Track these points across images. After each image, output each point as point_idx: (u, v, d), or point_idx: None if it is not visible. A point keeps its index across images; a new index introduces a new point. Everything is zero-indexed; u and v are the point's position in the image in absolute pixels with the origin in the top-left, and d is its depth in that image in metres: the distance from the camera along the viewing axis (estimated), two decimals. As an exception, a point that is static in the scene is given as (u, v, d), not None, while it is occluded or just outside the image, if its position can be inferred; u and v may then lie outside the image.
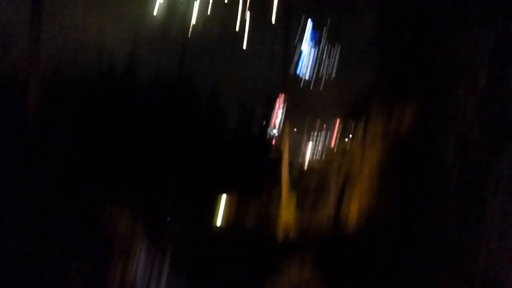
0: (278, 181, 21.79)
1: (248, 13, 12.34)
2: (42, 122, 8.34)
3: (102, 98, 8.34)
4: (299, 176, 31.16)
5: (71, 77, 8.49)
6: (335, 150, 28.59)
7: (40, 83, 8.43)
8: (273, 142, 15.14)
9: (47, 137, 8.36)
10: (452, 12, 14.96)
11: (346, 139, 29.64)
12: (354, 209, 21.57)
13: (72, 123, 8.48)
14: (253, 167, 11.58)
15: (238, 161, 10.85)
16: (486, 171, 12.82)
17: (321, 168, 29.08)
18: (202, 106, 10.53)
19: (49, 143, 8.36)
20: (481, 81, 12.05)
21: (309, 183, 28.44)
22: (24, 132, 8.36)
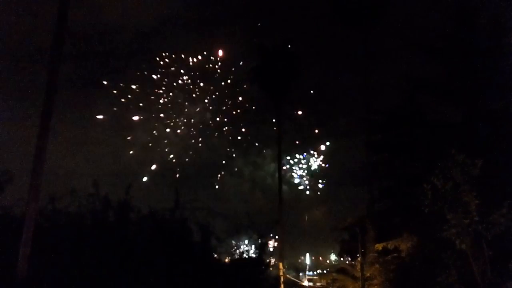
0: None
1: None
2: (34, 263, 8.28)
3: (96, 241, 8.35)
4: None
5: (66, 219, 8.62)
6: (333, 274, 27.91)
7: (36, 221, 8.53)
8: (270, 266, 14.82)
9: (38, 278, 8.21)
10: (437, 148, 15.82)
11: (344, 261, 28.82)
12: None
13: (64, 265, 8.37)
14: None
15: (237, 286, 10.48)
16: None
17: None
18: (196, 240, 10.44)
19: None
20: (472, 211, 12.37)
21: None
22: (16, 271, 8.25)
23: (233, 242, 10.92)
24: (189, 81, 62.80)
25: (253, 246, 12.25)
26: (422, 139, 19.87)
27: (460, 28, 19.43)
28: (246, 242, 12.39)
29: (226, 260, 11.69)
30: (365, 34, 27.99)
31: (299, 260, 62.90)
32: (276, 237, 30.83)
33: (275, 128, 37.73)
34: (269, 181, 62.04)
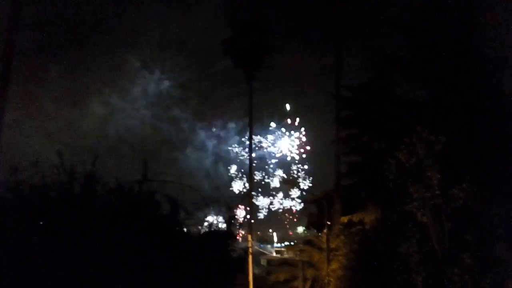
0: (245, 278, 21.38)
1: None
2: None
3: (61, 213, 8.17)
4: (266, 273, 30.73)
5: (30, 191, 8.36)
6: (299, 246, 28.74)
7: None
8: (239, 238, 15.02)
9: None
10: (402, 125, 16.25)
11: (310, 236, 29.63)
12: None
13: (27, 237, 8.18)
14: (219, 266, 11.24)
15: (203, 262, 10.58)
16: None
17: (285, 263, 28.76)
18: (165, 212, 10.39)
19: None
20: (434, 185, 12.89)
21: (276, 278, 27.96)
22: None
23: (202, 214, 10.95)
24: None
25: (221, 219, 12.33)
26: (389, 115, 20.29)
27: (430, 7, 19.66)
28: (215, 215, 12.45)
29: (195, 233, 11.74)
30: (337, 10, 27.90)
31: (268, 233, 64.10)
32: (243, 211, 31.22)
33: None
34: (233, 155, 61.54)
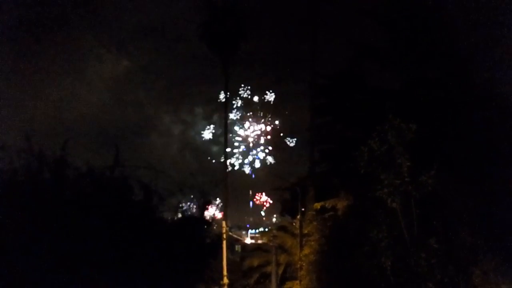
0: (219, 265, 21.51)
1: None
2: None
3: (30, 198, 7.99)
4: (240, 258, 31.03)
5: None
6: (273, 232, 29.16)
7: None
8: (213, 224, 15.05)
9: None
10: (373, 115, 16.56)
11: (284, 222, 30.01)
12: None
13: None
14: (193, 252, 11.28)
15: (177, 247, 10.58)
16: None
17: (259, 248, 29.10)
18: (137, 198, 10.29)
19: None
20: (404, 172, 13.25)
21: (250, 264, 28.29)
22: None
23: (176, 200, 10.90)
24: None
25: (195, 205, 12.30)
26: (363, 103, 20.62)
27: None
28: (189, 202, 12.41)
29: (169, 219, 11.70)
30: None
31: (244, 218, 64.49)
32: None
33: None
34: (200, 141, 60.64)
